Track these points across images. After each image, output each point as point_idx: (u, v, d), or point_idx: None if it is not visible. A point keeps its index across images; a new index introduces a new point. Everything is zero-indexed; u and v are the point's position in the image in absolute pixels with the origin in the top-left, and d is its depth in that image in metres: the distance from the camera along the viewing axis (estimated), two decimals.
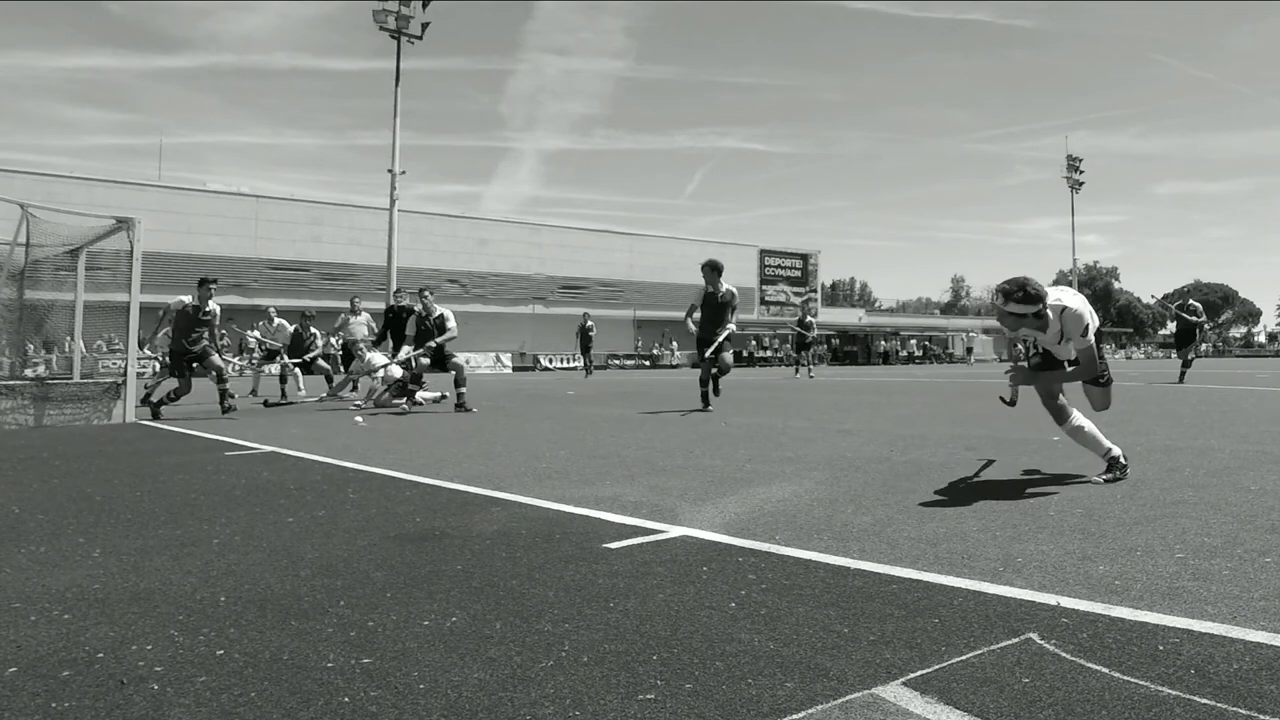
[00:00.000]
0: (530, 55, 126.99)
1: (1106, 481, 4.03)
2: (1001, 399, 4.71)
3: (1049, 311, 3.93)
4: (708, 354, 9.40)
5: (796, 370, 21.28)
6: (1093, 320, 4.08)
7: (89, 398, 8.96)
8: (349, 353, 12.41)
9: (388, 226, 30.10)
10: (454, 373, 10.30)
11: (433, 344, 10.23)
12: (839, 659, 1.86)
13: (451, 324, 10.39)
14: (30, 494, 4.28)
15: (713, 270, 9.42)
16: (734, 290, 9.64)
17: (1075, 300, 4.04)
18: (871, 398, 11.95)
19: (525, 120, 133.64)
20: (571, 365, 36.48)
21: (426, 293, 10.56)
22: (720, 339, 9.35)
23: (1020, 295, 3.84)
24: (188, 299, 9.95)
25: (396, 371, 10.67)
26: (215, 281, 10.09)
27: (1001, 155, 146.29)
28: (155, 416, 9.37)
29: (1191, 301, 16.00)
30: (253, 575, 2.65)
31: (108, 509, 3.82)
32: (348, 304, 13.91)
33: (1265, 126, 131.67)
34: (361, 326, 12.54)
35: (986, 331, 60.65)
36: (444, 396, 10.94)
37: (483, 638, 2.04)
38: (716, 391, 9.81)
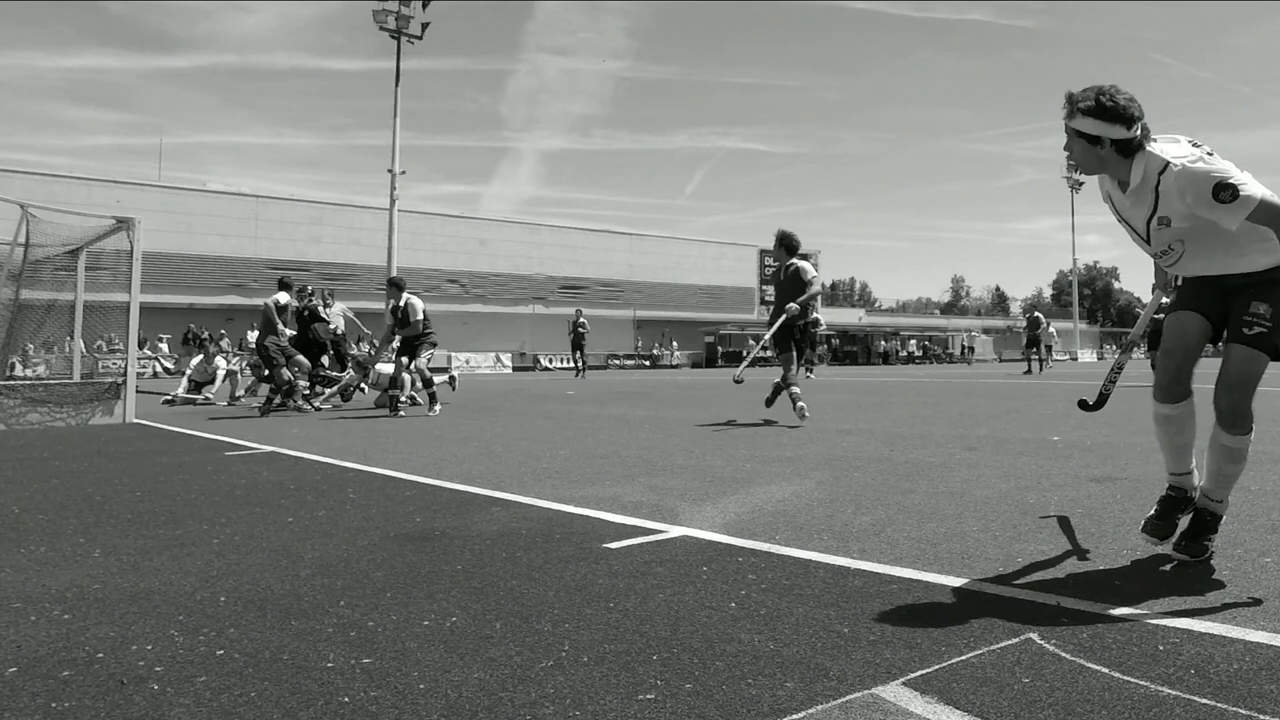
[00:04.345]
0: (530, 55, 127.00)
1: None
2: (1083, 404, 3.17)
3: (1140, 156, 2.49)
4: (764, 342, 7.82)
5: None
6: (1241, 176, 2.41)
7: (82, 400, 8.96)
8: (333, 348, 12.23)
9: (388, 226, 30.09)
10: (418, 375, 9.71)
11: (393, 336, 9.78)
12: (839, 659, 1.86)
13: (417, 316, 9.57)
14: (30, 494, 4.28)
15: (779, 245, 7.83)
16: (802, 265, 7.69)
17: (1188, 150, 2.48)
18: (871, 398, 11.95)
19: (525, 120, 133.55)
20: (572, 365, 36.47)
21: (397, 284, 9.93)
22: (776, 325, 7.56)
23: (1091, 106, 2.45)
24: (285, 297, 10.68)
25: (387, 369, 10.64)
26: (291, 287, 11.01)
27: (1001, 155, 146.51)
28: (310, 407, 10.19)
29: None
30: (253, 575, 2.65)
31: (108, 509, 3.82)
32: (319, 300, 13.35)
33: (1265, 126, 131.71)
34: (338, 318, 12.38)
35: (986, 331, 60.67)
36: (452, 378, 11.07)
37: (483, 638, 2.04)
38: (770, 402, 7.98)
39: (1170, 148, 2.48)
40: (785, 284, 7.72)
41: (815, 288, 7.65)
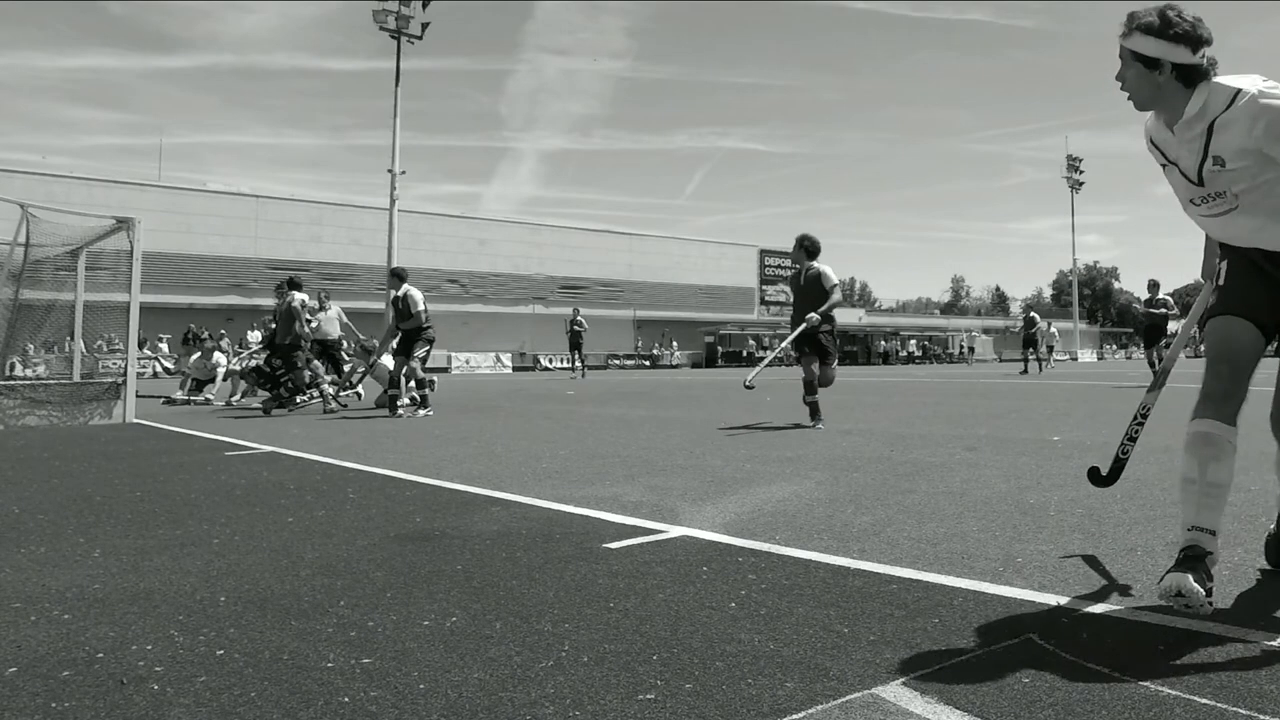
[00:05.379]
0: (530, 55, 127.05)
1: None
2: (1095, 475, 2.77)
3: (1203, 87, 2.15)
4: (785, 345, 7.67)
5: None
6: None
7: (82, 400, 8.96)
8: (325, 351, 12.19)
9: (388, 226, 30.11)
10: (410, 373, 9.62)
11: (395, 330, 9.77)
12: (839, 659, 1.86)
13: (418, 307, 9.52)
14: (30, 494, 4.28)
15: (799, 247, 7.58)
16: (824, 271, 7.43)
17: (1262, 82, 2.14)
18: (871, 397, 11.95)
19: (525, 120, 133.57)
20: (572, 365, 36.40)
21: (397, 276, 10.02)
22: (795, 334, 7.40)
23: (1153, 23, 2.15)
24: (306, 298, 10.85)
25: (388, 363, 10.64)
26: (302, 286, 11.21)
27: (1001, 155, 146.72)
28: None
29: (1161, 296, 15.30)
30: (253, 575, 2.65)
31: (108, 509, 3.82)
32: (314, 301, 12.68)
33: None
34: (334, 323, 12.33)
35: (986, 331, 60.64)
36: (432, 381, 11.07)
37: (483, 638, 2.04)
38: (814, 414, 7.34)
39: (1241, 79, 2.14)
40: (805, 288, 7.48)
41: (836, 296, 7.38)
